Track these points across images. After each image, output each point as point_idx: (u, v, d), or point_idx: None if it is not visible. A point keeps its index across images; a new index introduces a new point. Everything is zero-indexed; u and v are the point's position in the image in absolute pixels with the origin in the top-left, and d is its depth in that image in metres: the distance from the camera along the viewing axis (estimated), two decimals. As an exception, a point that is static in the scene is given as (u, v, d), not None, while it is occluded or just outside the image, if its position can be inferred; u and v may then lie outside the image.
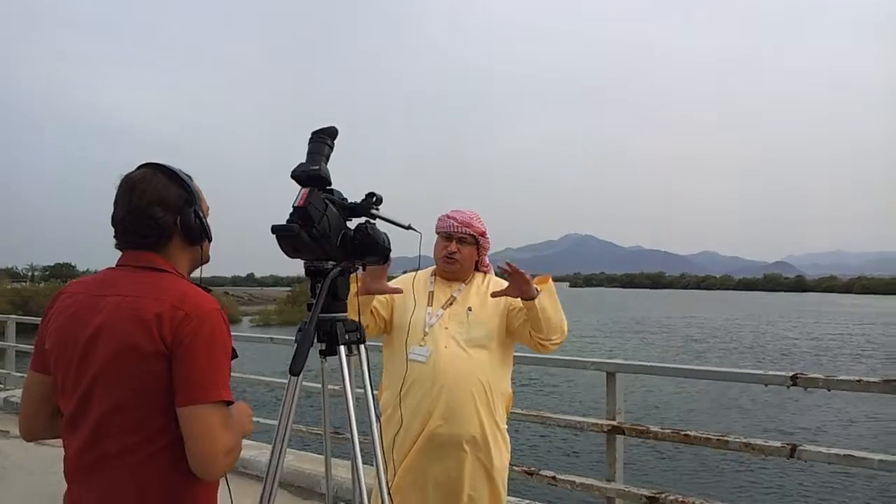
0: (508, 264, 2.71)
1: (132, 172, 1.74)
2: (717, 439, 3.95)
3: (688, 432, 4.08)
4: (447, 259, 3.00)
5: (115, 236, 1.74)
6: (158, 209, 1.69)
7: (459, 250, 2.99)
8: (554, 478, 4.44)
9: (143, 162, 1.79)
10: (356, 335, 2.16)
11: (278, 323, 51.50)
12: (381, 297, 2.95)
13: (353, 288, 2.34)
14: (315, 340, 2.03)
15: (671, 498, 4.01)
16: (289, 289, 76.16)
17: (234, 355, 1.72)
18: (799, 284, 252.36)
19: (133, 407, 1.57)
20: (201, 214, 1.77)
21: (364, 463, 2.04)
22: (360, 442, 2.10)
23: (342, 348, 2.10)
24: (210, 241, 1.82)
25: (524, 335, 2.89)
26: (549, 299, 2.79)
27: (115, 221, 1.72)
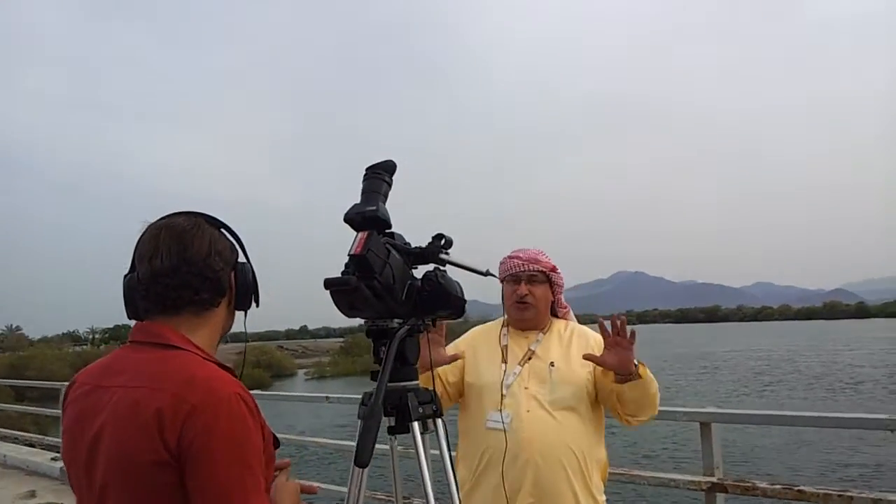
0: (616, 319, 2.30)
1: (170, 220, 1.42)
2: (839, 495, 3.43)
3: (802, 488, 3.57)
4: (519, 305, 2.61)
5: (142, 297, 1.39)
6: (218, 261, 1.39)
7: (531, 292, 2.60)
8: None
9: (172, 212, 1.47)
10: (431, 407, 1.79)
11: (332, 374, 51.49)
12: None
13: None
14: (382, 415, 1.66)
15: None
16: (341, 339, 76.36)
17: (276, 444, 1.38)
18: (861, 311, 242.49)
19: None
20: (254, 271, 1.46)
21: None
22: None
23: (416, 424, 1.73)
24: (258, 305, 1.49)
25: (610, 402, 2.48)
26: (645, 387, 2.40)
27: (158, 274, 1.36)
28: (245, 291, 1.44)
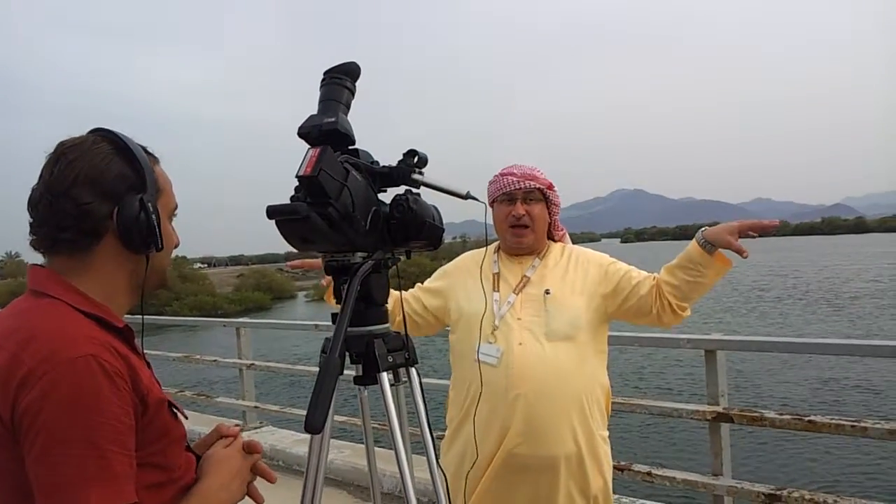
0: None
1: (67, 139, 1.16)
2: (852, 426, 3.23)
3: (812, 418, 3.37)
4: (515, 228, 2.33)
5: (29, 230, 1.16)
6: (86, 191, 1.10)
7: (528, 212, 2.31)
8: (650, 473, 3.79)
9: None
10: (403, 355, 1.53)
11: (333, 297, 51.97)
12: (430, 287, 2.50)
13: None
14: (343, 366, 1.39)
15: (796, 495, 3.33)
16: (341, 262, 76.78)
17: (174, 412, 1.17)
18: (859, 226, 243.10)
19: None
20: (150, 207, 1.14)
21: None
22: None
23: (384, 375, 1.48)
24: (160, 249, 1.18)
25: (642, 309, 2.26)
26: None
27: (29, 205, 1.15)
28: (130, 232, 1.13)
